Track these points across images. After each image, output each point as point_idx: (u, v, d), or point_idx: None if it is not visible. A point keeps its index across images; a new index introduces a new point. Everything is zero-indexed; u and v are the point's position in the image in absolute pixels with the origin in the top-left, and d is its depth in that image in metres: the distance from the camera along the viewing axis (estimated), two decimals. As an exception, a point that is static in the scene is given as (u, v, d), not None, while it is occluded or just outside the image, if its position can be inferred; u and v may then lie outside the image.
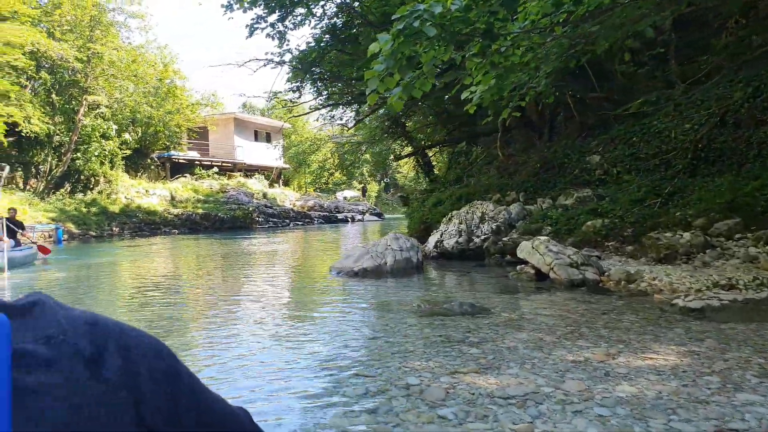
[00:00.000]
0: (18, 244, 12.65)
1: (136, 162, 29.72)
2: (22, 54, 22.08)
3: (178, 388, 0.43)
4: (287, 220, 31.23)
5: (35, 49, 22.85)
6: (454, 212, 11.07)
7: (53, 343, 0.39)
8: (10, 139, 22.31)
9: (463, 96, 6.58)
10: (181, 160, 31.20)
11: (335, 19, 12.24)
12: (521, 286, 7.35)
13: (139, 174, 29.93)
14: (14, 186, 24.21)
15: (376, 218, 35.39)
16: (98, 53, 25.65)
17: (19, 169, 24.83)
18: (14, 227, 12.65)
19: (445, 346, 4.52)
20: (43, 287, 9.57)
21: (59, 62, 24.23)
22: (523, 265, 8.00)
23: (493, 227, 10.08)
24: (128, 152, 28.00)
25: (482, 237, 10.05)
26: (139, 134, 29.08)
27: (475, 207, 10.68)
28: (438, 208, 13.45)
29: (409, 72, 5.63)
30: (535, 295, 6.74)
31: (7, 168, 23.64)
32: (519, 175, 12.33)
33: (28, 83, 24.31)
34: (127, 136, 27.86)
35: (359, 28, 11.15)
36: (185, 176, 30.38)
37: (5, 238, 11.38)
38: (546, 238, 7.93)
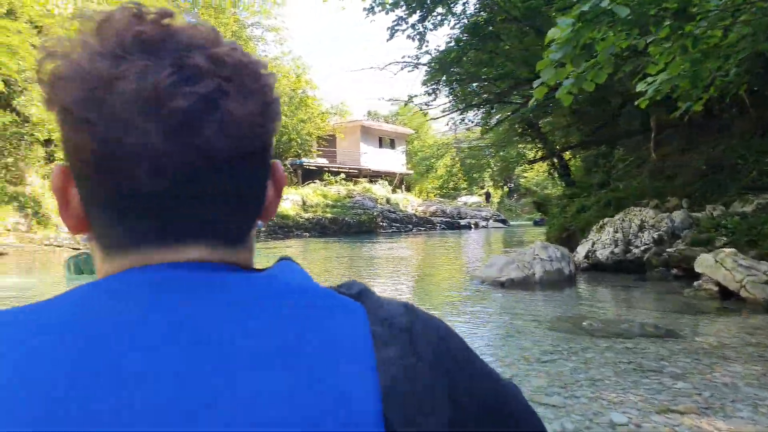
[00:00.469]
0: None
1: (270, 168, 31.25)
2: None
3: (475, 370, 0.45)
4: (410, 225, 31.18)
5: (185, 65, 24.82)
6: (606, 219, 10.11)
7: (386, 324, 0.42)
8: (164, 148, 24.35)
9: (639, 88, 5.83)
10: (311, 167, 32.36)
11: (475, 17, 11.81)
12: (703, 306, 6.38)
13: (273, 180, 31.42)
14: (166, 191, 26.42)
15: (500, 225, 34.25)
16: (238, 67, 27.28)
17: (170, 175, 27.07)
18: None
19: (639, 375, 3.88)
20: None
21: (205, 76, 26.12)
22: (700, 281, 6.99)
23: (655, 236, 9.03)
24: (263, 159, 29.50)
25: (642, 247, 9.04)
26: (274, 142, 30.54)
27: (631, 214, 9.66)
28: (582, 215, 12.47)
29: (583, 62, 5.04)
30: (727, 317, 5.79)
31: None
32: (679, 178, 11.05)
33: (178, 97, 26.46)
34: (262, 144, 29.37)
35: (502, 24, 10.62)
36: (315, 182, 31.45)
37: None
38: (733, 250, 6.87)
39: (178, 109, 0.39)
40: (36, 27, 20.57)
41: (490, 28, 10.95)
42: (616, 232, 9.50)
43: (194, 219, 0.43)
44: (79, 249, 11.52)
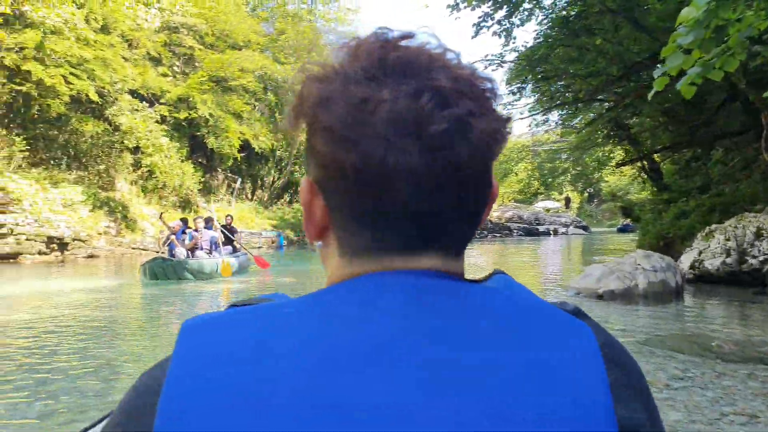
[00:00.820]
0: (235, 250, 13.04)
1: (343, 174, 31.49)
2: (253, 77, 24.63)
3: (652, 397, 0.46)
4: (485, 232, 30.44)
5: (263, 73, 25.36)
6: (715, 226, 9.19)
7: (607, 343, 0.44)
8: (242, 154, 24.99)
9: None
10: (383, 172, 32.32)
11: (564, 11, 11.17)
12: None
13: (346, 185, 31.63)
14: (244, 197, 27.08)
15: (581, 231, 32.79)
16: (314, 74, 27.63)
17: (248, 181, 27.73)
18: (229, 234, 13.19)
19: (801, 412, 3.26)
20: (263, 293, 9.99)
21: (282, 84, 26.58)
22: (841, 298, 6.09)
23: (776, 246, 8.07)
24: (338, 164, 29.75)
25: (761, 258, 8.10)
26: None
27: (745, 220, 8.71)
28: (682, 222, 11.52)
29: (713, 47, 4.43)
30: None
31: (239, 180, 26.51)
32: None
33: (256, 104, 27.09)
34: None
35: (595, 16, 9.95)
36: (387, 187, 31.40)
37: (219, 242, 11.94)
38: None
39: (437, 132, 0.41)
40: (126, 40, 21.61)
41: (582, 21, 10.28)
42: (728, 240, 8.59)
43: (435, 230, 0.46)
44: (160, 254, 11.72)
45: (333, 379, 0.37)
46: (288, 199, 27.69)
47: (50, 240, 16.64)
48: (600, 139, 19.22)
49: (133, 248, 18.97)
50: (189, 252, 11.41)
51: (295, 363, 0.37)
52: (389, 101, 0.41)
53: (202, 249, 11.58)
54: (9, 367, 4.59)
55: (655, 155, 18.05)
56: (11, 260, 15.68)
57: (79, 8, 18.46)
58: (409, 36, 0.46)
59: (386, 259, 0.46)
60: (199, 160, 25.10)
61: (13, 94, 17.70)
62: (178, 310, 7.93)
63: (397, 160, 0.41)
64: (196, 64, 24.91)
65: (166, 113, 22.53)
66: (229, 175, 26.39)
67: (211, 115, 23.10)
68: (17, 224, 16.01)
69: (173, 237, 11.46)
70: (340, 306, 0.42)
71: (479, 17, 11.39)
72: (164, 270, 10.42)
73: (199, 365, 0.38)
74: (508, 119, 0.47)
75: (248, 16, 27.08)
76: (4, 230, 15.79)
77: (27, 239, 16.16)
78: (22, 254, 15.99)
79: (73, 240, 17.29)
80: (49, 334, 5.83)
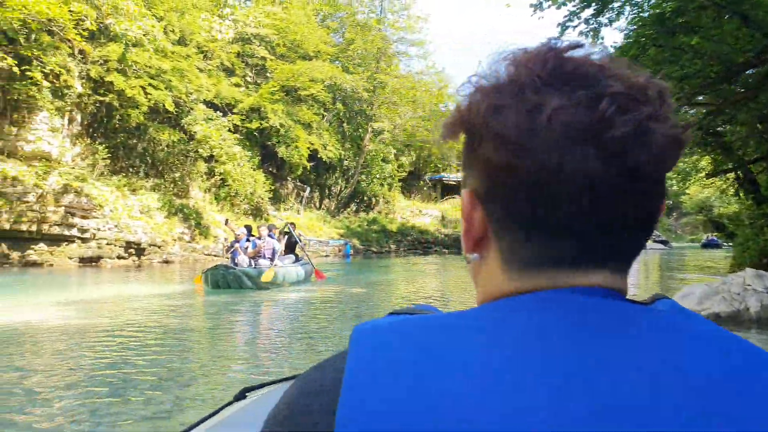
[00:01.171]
0: (298, 258, 13.00)
1: (409, 184, 31.20)
2: (322, 87, 24.82)
3: None
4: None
5: (332, 83, 25.50)
6: (836, 244, 8.17)
7: None
8: (311, 164, 25.17)
9: None
10: (450, 182, 31.81)
11: (659, 8, 10.37)
12: None
13: (412, 195, 31.31)
14: (312, 206, 27.28)
15: (661, 246, 30.97)
16: (382, 83, 27.57)
17: (316, 190, 27.93)
18: (297, 240, 13.11)
19: None
20: (330, 302, 9.76)
21: (351, 93, 26.65)
22: None
23: None
24: (404, 174, 29.48)
25: None
26: (414, 158, 30.44)
27: None
28: (790, 238, 10.41)
29: None
30: None
31: (308, 189, 26.73)
32: None
33: (325, 114, 27.28)
34: (403, 159, 29.36)
35: (695, 12, 9.15)
36: (454, 197, 30.83)
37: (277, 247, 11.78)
38: None
39: (618, 136, 0.41)
40: (201, 51, 22.26)
41: (678, 18, 9.48)
42: None
43: (610, 243, 0.44)
44: (223, 261, 11.79)
45: (514, 401, 0.35)
46: (354, 209, 27.69)
47: (128, 245, 17.22)
48: (687, 148, 17.95)
49: (206, 254, 19.37)
50: (251, 260, 11.43)
51: (475, 380, 0.37)
52: (566, 107, 0.40)
53: (264, 257, 11.58)
54: (84, 377, 4.49)
55: (750, 165, 16.64)
56: (93, 264, 16.32)
57: (158, 21, 19.14)
58: (577, 45, 0.45)
59: (554, 273, 0.44)
60: (270, 169, 25.48)
61: (97, 105, 18.51)
62: (242, 321, 7.86)
63: (574, 167, 0.40)
64: (268, 74, 25.37)
65: (239, 122, 23.00)
66: (298, 184, 26.67)
67: (281, 124, 23.40)
68: (99, 229, 16.67)
69: (237, 245, 11.51)
70: (514, 326, 0.40)
71: (564, 17, 10.77)
72: (225, 278, 10.48)
73: (377, 371, 0.38)
74: (688, 126, 0.44)
75: (318, 26, 27.39)
76: (87, 235, 16.47)
77: (107, 244, 16.79)
78: (102, 258, 16.61)
79: (150, 245, 17.82)
80: (123, 343, 5.78)
